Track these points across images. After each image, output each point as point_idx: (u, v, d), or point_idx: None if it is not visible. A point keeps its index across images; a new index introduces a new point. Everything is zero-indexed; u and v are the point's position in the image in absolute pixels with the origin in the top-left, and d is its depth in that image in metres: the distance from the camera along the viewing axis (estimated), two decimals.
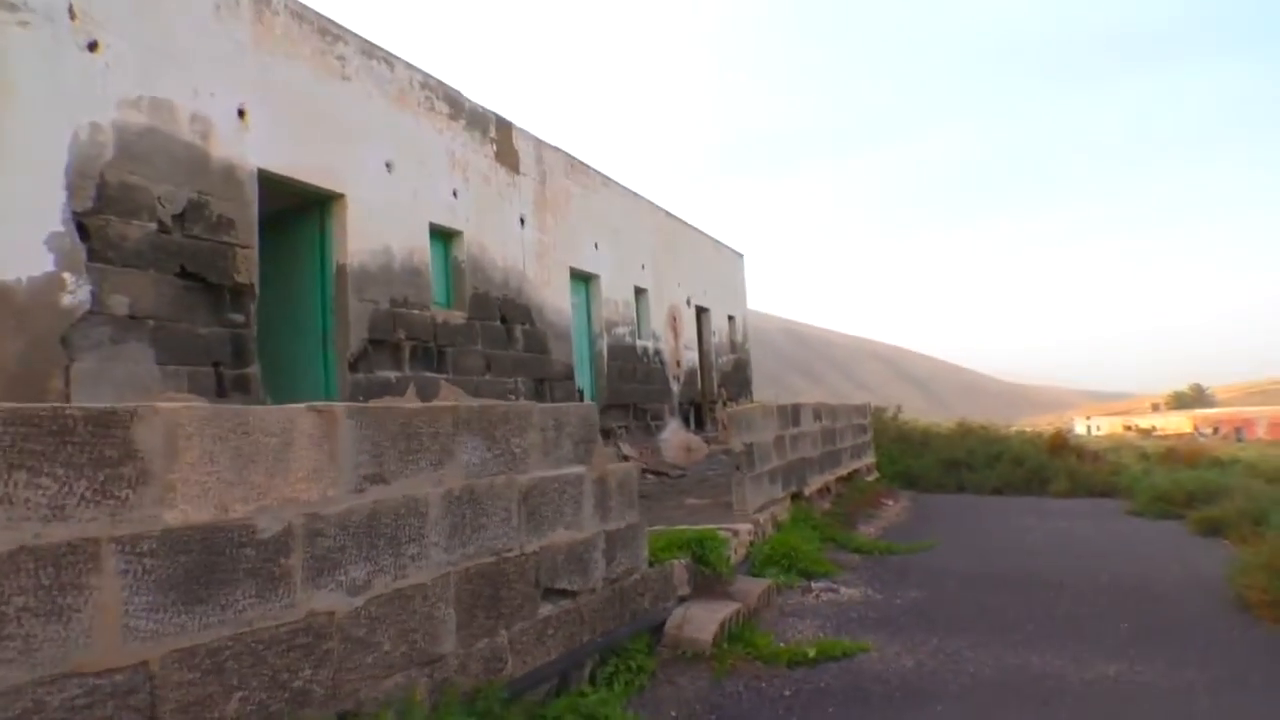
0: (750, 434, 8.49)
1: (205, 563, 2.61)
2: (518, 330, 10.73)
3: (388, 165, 8.64)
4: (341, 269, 8.03)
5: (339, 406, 3.12)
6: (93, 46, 5.91)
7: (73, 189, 5.72)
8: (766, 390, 26.53)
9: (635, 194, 14.77)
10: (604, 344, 13.14)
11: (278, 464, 2.86)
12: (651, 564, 5.56)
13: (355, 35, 8.31)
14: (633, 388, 13.89)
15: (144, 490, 2.47)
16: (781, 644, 5.79)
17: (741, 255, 20.51)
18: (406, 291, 8.76)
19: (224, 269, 6.73)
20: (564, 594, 4.44)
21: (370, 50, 8.49)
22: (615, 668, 4.75)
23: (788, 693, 4.79)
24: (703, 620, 5.52)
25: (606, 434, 12.88)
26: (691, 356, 16.65)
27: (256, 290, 7.03)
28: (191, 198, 6.52)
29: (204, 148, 6.64)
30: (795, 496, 9.68)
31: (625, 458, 12.96)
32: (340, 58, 8.09)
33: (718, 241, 18.91)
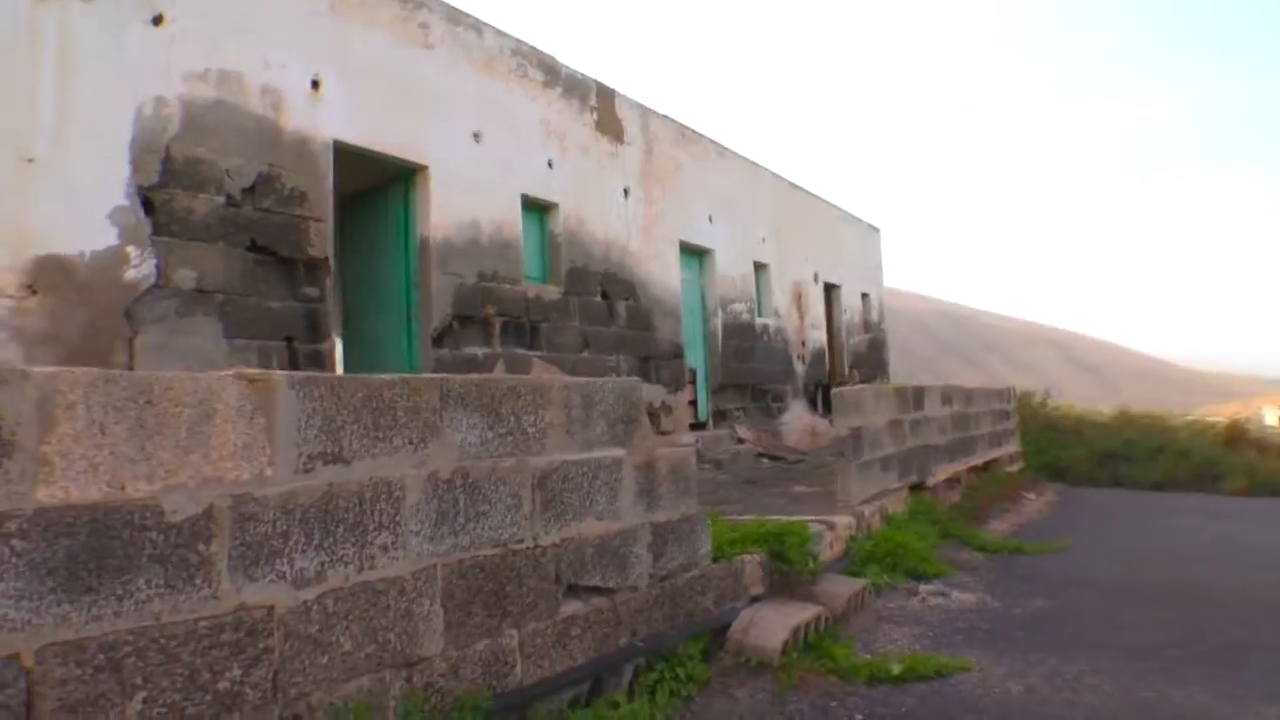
0: (858, 417, 7.69)
1: (95, 547, 2.27)
2: (620, 306, 10.30)
3: (475, 136, 8.38)
4: (425, 242, 7.84)
5: (278, 375, 2.73)
6: (157, 20, 5.88)
7: (137, 163, 5.72)
8: (920, 374, 25.01)
9: (754, 164, 13.99)
10: (719, 321, 12.52)
11: (193, 439, 2.50)
12: (718, 559, 4.97)
13: (440, 1, 8.06)
14: (751, 367, 13.19)
15: (8, 465, 2.15)
16: (866, 655, 5.07)
17: (878, 230, 19.23)
18: (496, 265, 8.49)
19: (296, 242, 6.64)
20: (595, 591, 3.94)
21: (456, 17, 8.23)
22: (661, 675, 4.21)
23: (859, 717, 4.10)
24: (772, 624, 4.87)
25: (722, 415, 12.28)
26: (818, 336, 15.71)
27: (331, 264, 6.92)
28: (262, 170, 6.44)
29: (275, 120, 6.55)
30: (916, 487, 8.76)
31: (740, 440, 12.33)
32: (423, 25, 7.86)
33: (850, 215, 17.78)
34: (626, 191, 10.63)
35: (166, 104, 5.89)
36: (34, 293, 5.19)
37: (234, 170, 6.26)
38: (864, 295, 18.11)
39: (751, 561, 5.22)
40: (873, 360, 18.23)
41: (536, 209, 9.31)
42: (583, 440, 3.92)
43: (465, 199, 8.20)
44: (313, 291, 6.78)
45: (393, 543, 3.04)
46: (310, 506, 2.79)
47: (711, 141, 12.70)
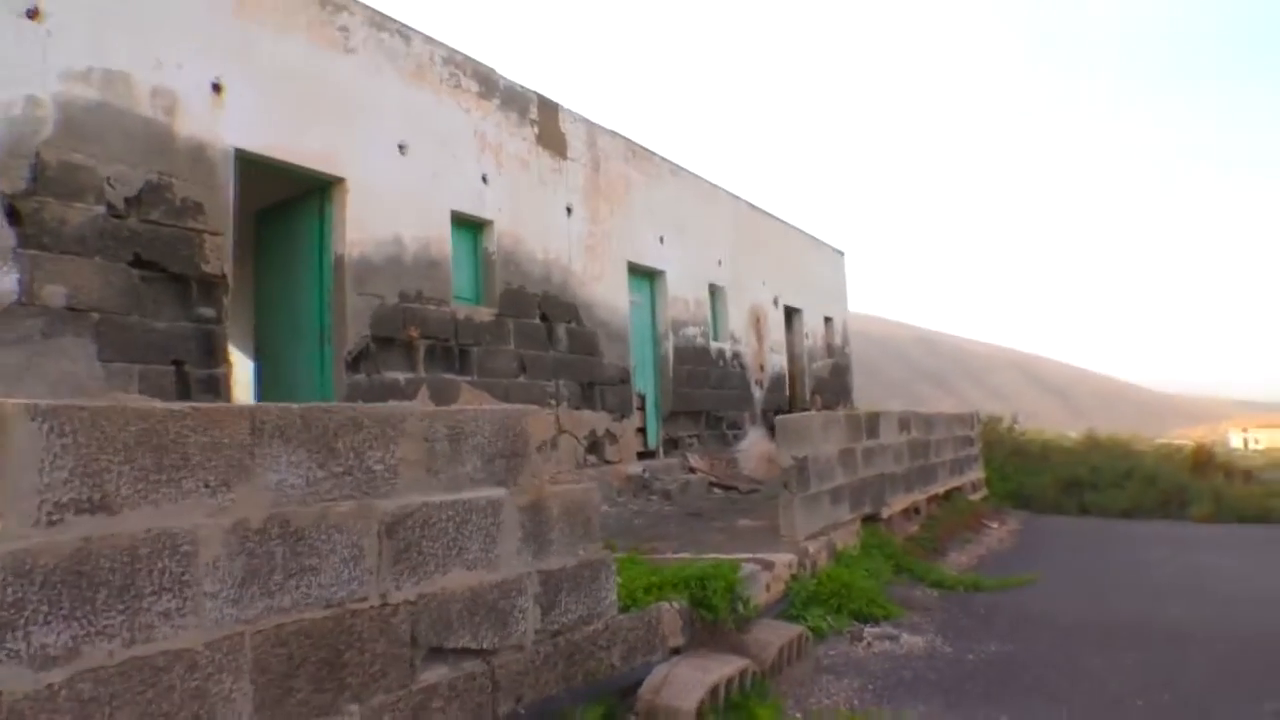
0: (805, 446, 7.23)
1: None
2: (560, 329, 9.81)
3: (400, 147, 7.91)
4: (340, 260, 7.34)
5: (11, 404, 2.22)
6: (32, 14, 5.39)
7: (1, 168, 5.18)
8: (892, 399, 24.69)
9: (711, 184, 13.62)
10: (670, 345, 12.06)
11: None
12: (629, 608, 4.45)
13: (362, 5, 7.62)
14: (705, 393, 12.72)
15: None
16: (797, 715, 4.57)
17: (842, 253, 18.92)
18: (421, 285, 7.99)
19: (189, 258, 6.11)
20: (466, 654, 3.42)
21: (381, 22, 7.79)
22: None
23: None
24: (688, 682, 4.36)
25: (674, 443, 11.79)
26: (779, 360, 15.29)
27: (229, 282, 6.38)
28: (150, 179, 5.92)
29: (168, 124, 6.05)
30: (870, 519, 8.30)
31: (692, 469, 11.82)
32: (343, 29, 7.41)
33: (813, 237, 17.45)
34: (570, 209, 10.18)
35: (39, 104, 5.38)
36: None
37: (117, 178, 5.74)
38: (827, 319, 17.75)
39: (669, 610, 4.71)
40: (836, 385, 17.84)
41: (469, 226, 8.83)
42: (449, 479, 3.41)
43: (387, 214, 7.71)
44: (207, 311, 6.24)
45: (179, 608, 2.51)
46: (57, 567, 2.26)
47: (664, 160, 12.31)
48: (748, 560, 6.09)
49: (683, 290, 12.44)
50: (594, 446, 10.18)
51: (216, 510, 2.63)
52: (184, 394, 6.02)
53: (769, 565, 6.06)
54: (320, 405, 3.01)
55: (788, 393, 15.57)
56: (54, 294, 5.37)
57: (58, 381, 5.32)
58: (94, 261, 5.59)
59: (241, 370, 8.42)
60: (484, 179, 8.90)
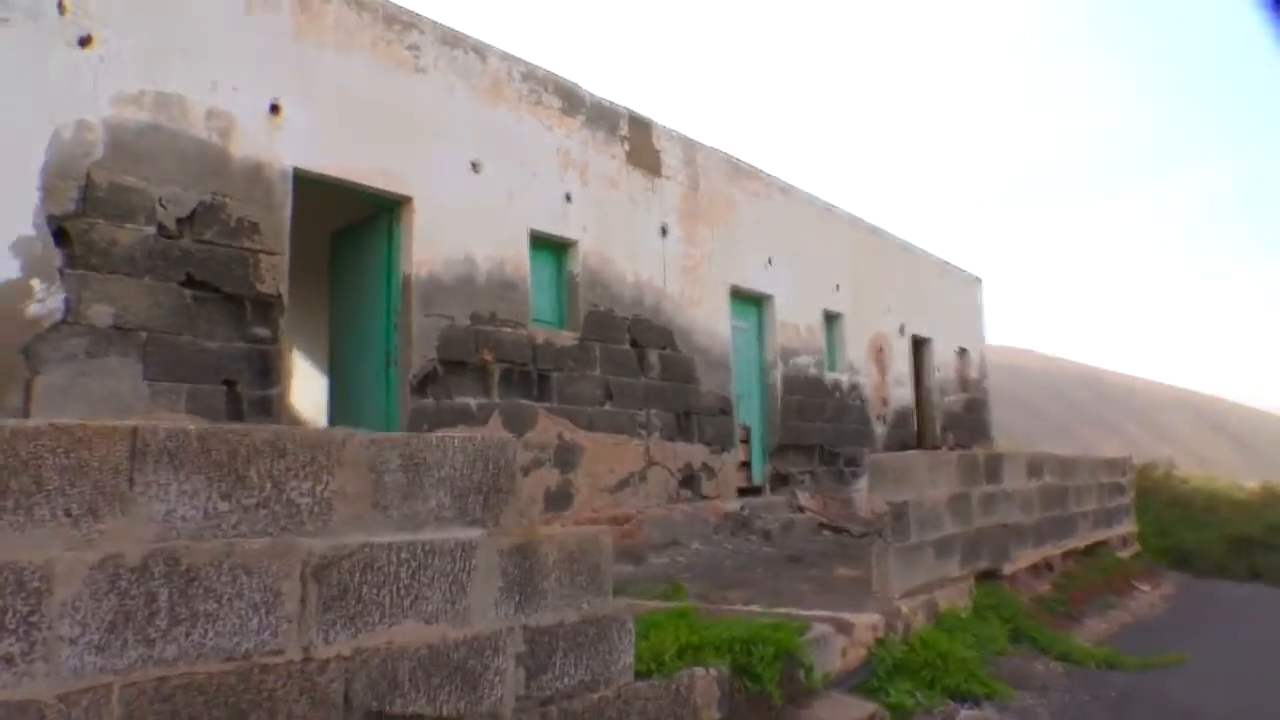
0: (905, 490, 6.42)
1: None
2: (653, 355, 9.34)
3: (474, 165, 7.72)
4: (407, 280, 7.18)
5: None
6: (84, 41, 5.50)
7: (49, 190, 5.28)
8: (1051, 440, 22.70)
9: (827, 205, 12.85)
10: (778, 375, 11.33)
11: None
12: (652, 673, 3.87)
13: (434, 24, 7.52)
14: (819, 427, 11.88)
15: None
16: None
17: (979, 279, 17.52)
18: (495, 306, 7.73)
19: (243, 278, 6.07)
20: None
21: (453, 39, 7.67)
22: None
23: None
24: None
25: (783, 479, 11.02)
26: (904, 394, 14.19)
27: (285, 302, 6.31)
28: (204, 199, 5.93)
29: (222, 146, 6.06)
30: (987, 575, 7.28)
31: (800, 508, 10.99)
32: (413, 48, 7.32)
33: (945, 262, 16.23)
34: (665, 230, 9.74)
35: (90, 128, 5.46)
36: None
37: (169, 199, 5.77)
38: (961, 351, 16.40)
39: (704, 677, 4.08)
40: (971, 422, 16.42)
41: (550, 246, 8.54)
42: (404, 516, 2.97)
43: (457, 234, 7.52)
44: (262, 332, 6.18)
45: (24, 652, 2.17)
46: None
47: (771, 178, 11.69)
48: (822, 619, 5.35)
49: (794, 316, 11.70)
50: (689, 480, 9.59)
51: (80, 543, 2.29)
52: (235, 414, 5.95)
53: (846, 627, 5.28)
54: (230, 426, 2.66)
55: (915, 429, 14.41)
56: (100, 314, 5.40)
57: (101, 401, 5.31)
58: (143, 282, 5.60)
59: (320, 393, 8.43)
60: (567, 198, 8.60)
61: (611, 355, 8.87)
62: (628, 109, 9.45)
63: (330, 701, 2.71)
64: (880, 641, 5.50)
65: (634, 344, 9.18)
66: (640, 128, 9.60)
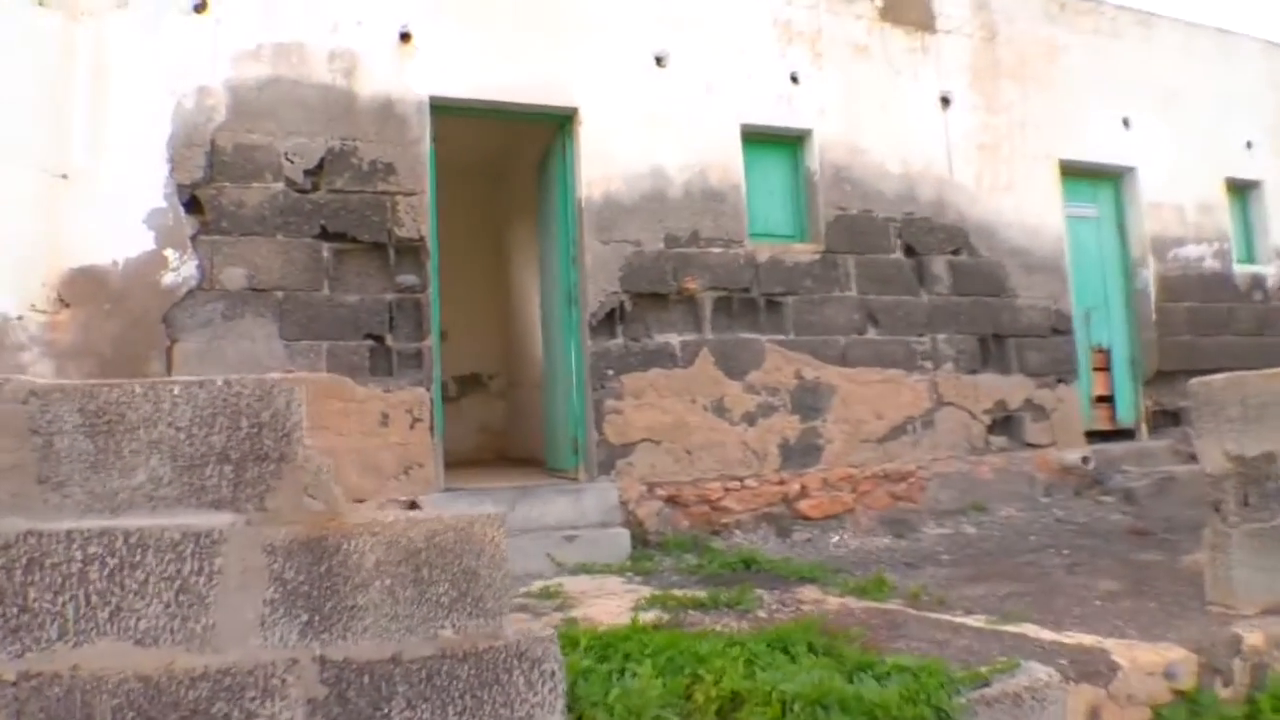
0: (1263, 434, 4.04)
1: None
2: (937, 264, 7.31)
3: (657, 59, 6.58)
4: (579, 205, 6.33)
5: None
6: (199, 7, 5.55)
7: (176, 161, 5.42)
8: None
9: (1220, 31, 9.09)
10: (1150, 275, 8.30)
11: None
12: None
13: None
14: (1225, 343, 8.50)
15: None
16: None
17: None
18: (697, 223, 6.55)
19: (379, 224, 5.75)
20: None
21: None
22: None
23: None
24: None
25: (1170, 416, 8.17)
26: None
27: (430, 245, 5.87)
28: (331, 146, 5.71)
29: (347, 87, 5.78)
30: None
31: (1193, 457, 7.92)
32: None
33: None
34: (946, 100, 7.55)
35: (210, 93, 5.51)
36: (66, 306, 5.15)
37: (294, 151, 5.63)
38: None
39: None
40: None
41: (772, 142, 7.04)
42: (91, 495, 2.16)
43: (640, 144, 6.46)
44: (408, 279, 5.82)
45: None
46: None
47: (1120, 7, 8.53)
48: (1061, 650, 3.38)
49: (1172, 193, 8.47)
50: (1003, 424, 7.39)
51: None
52: (383, 369, 5.68)
53: (1097, 671, 3.23)
54: None
55: None
56: (233, 276, 5.43)
57: (238, 363, 5.35)
58: (275, 240, 5.54)
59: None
60: (793, 78, 7.01)
61: (872, 269, 7.09)
62: None
63: None
64: (1186, 697, 3.33)
65: (908, 251, 7.26)
66: None
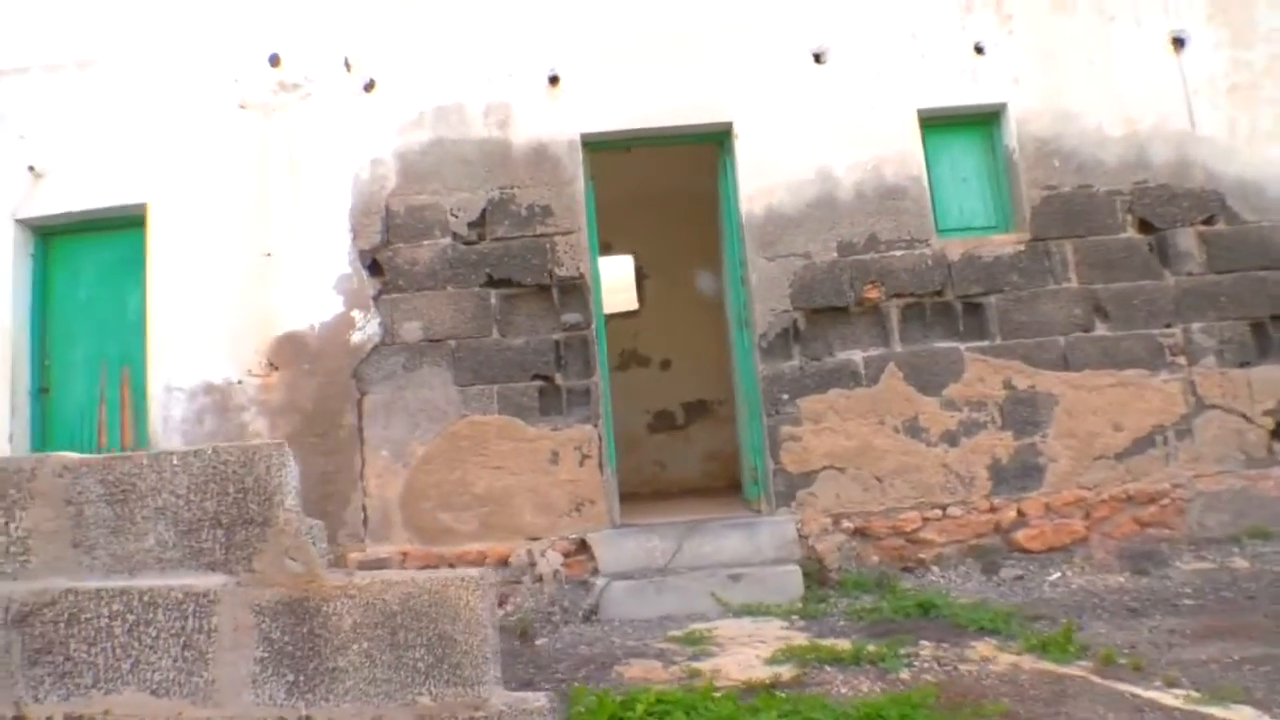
0: None
1: None
2: (1183, 239, 6.18)
3: (816, 56, 6.21)
4: (741, 222, 6.11)
5: None
6: (369, 87, 6.09)
7: (357, 229, 5.96)
8: None
9: None
10: None
11: None
12: None
13: None
14: None
15: None
16: None
17: None
18: (873, 226, 6.07)
19: (540, 266, 5.92)
20: None
21: None
22: None
23: None
24: None
25: None
26: None
27: (589, 280, 5.94)
28: (492, 197, 5.98)
29: (502, 137, 6.04)
30: None
31: None
32: None
33: None
34: (1180, 40, 6.38)
35: (382, 163, 6.01)
36: (275, 369, 5.83)
37: (458, 206, 5.97)
38: None
39: None
40: None
41: (957, 124, 6.34)
42: (113, 557, 2.39)
43: (803, 149, 6.11)
44: (572, 318, 5.93)
45: None
46: None
47: None
48: None
49: None
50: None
51: None
52: (554, 408, 5.83)
53: None
54: None
55: None
56: (411, 330, 5.85)
57: (418, 411, 5.75)
58: (445, 291, 5.90)
59: None
60: (977, 49, 6.29)
61: (1096, 253, 6.14)
62: None
63: None
64: None
65: (1143, 227, 6.20)
66: None
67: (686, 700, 3.21)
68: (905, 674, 3.87)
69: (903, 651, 4.12)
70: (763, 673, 3.94)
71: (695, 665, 4.15)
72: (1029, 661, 3.98)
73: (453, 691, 2.30)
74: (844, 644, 4.26)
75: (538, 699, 2.45)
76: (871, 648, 4.14)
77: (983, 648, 4.21)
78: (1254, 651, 3.88)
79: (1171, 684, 3.52)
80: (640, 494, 8.41)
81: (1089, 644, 4.10)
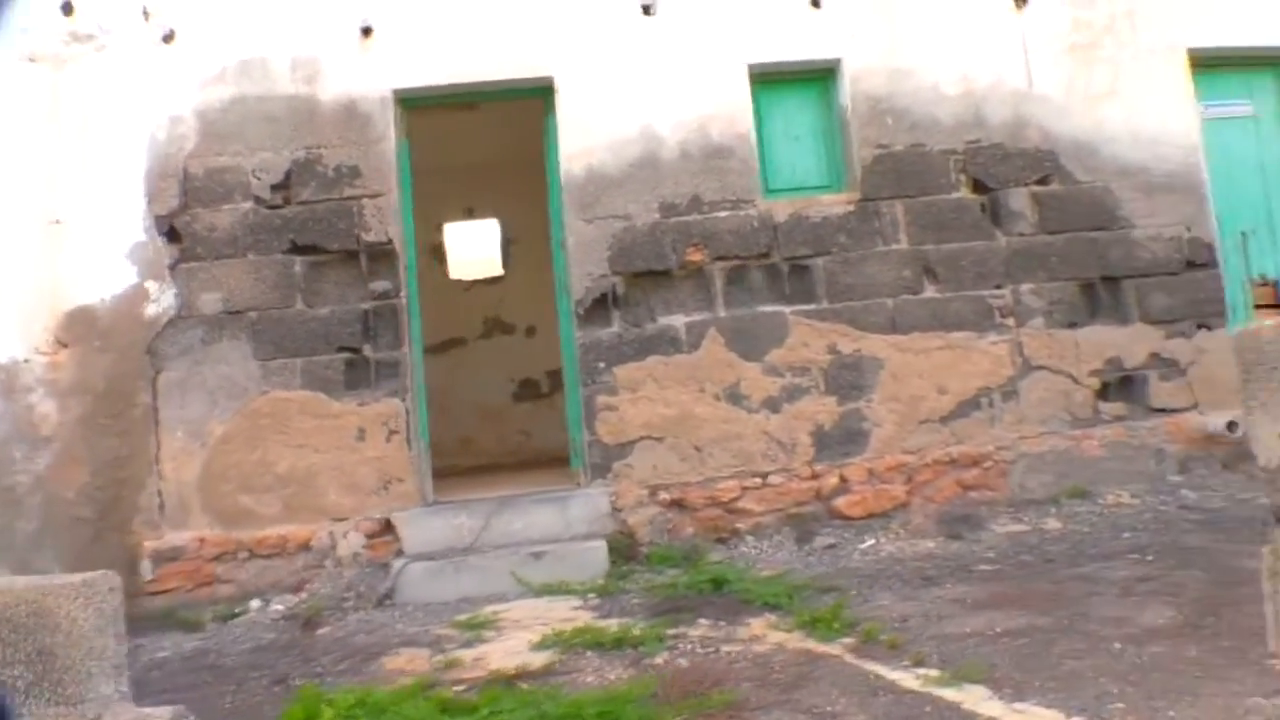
0: None
1: None
2: (1015, 199, 6.13)
3: (644, 8, 5.98)
4: (561, 183, 5.93)
5: None
6: (168, 38, 5.75)
7: (153, 194, 5.67)
8: None
9: None
10: None
11: None
12: None
13: None
14: None
15: None
16: None
17: None
18: (696, 186, 5.92)
19: (347, 231, 5.70)
20: None
21: None
22: None
23: None
24: None
25: None
26: None
27: (400, 247, 5.73)
28: (296, 158, 5.72)
29: (310, 94, 5.76)
30: None
31: None
32: None
33: None
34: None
35: (181, 121, 5.71)
36: (64, 346, 5.55)
37: (261, 168, 5.70)
38: None
39: None
40: None
41: (791, 80, 6.19)
42: None
43: (626, 106, 5.92)
44: (382, 286, 5.72)
45: None
46: None
47: None
48: None
49: None
50: (1119, 387, 6.08)
51: None
52: (360, 383, 5.64)
53: None
54: None
55: None
56: (210, 301, 5.61)
57: (216, 388, 5.53)
58: (246, 259, 5.65)
59: None
60: (814, 2, 6.11)
61: (927, 214, 6.06)
62: None
63: None
64: None
65: (976, 187, 6.14)
66: None
67: (380, 703, 3.11)
68: (660, 659, 3.81)
69: (672, 633, 4.07)
70: (519, 661, 3.87)
71: (459, 654, 4.07)
72: (795, 640, 3.95)
73: (54, 711, 2.15)
74: (614, 626, 4.20)
75: (162, 714, 2.32)
76: (638, 630, 4.08)
77: (757, 626, 4.17)
78: (1018, 622, 3.88)
79: (919, 662, 3.49)
80: (504, 464, 8.29)
81: (859, 619, 4.07)
